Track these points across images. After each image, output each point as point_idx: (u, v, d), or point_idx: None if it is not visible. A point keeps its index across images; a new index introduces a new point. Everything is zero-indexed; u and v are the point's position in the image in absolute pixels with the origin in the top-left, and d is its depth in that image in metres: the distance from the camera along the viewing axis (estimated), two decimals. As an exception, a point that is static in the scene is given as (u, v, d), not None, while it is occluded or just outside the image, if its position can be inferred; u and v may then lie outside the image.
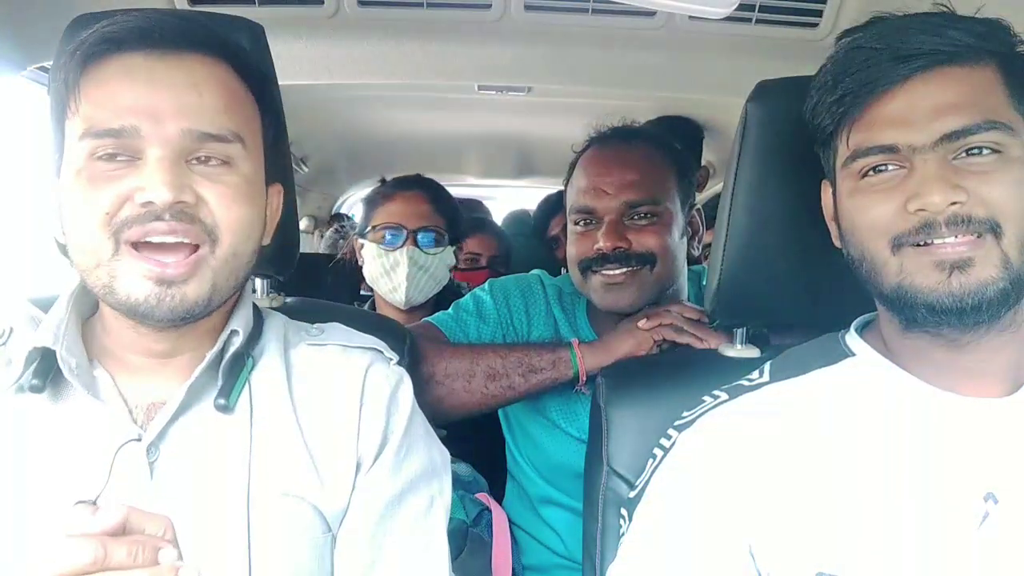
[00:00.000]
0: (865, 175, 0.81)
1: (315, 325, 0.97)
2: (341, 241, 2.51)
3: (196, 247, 0.78)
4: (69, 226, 0.79)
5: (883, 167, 0.80)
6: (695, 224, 1.50)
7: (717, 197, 1.40)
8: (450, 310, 1.53)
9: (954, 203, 0.75)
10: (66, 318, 0.82)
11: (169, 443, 0.80)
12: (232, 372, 0.83)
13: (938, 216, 0.75)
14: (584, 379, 1.31)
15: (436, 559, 0.88)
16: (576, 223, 1.41)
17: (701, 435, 0.88)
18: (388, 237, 1.80)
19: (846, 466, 0.81)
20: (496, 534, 1.39)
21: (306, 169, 2.61)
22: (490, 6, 1.46)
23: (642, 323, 1.29)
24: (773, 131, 1.01)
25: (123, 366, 0.84)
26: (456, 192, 3.73)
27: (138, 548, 0.59)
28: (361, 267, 1.88)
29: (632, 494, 0.96)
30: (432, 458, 0.92)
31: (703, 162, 2.47)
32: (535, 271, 1.61)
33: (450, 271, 1.88)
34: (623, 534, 0.93)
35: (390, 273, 1.79)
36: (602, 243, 1.34)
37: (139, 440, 0.78)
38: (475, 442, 1.63)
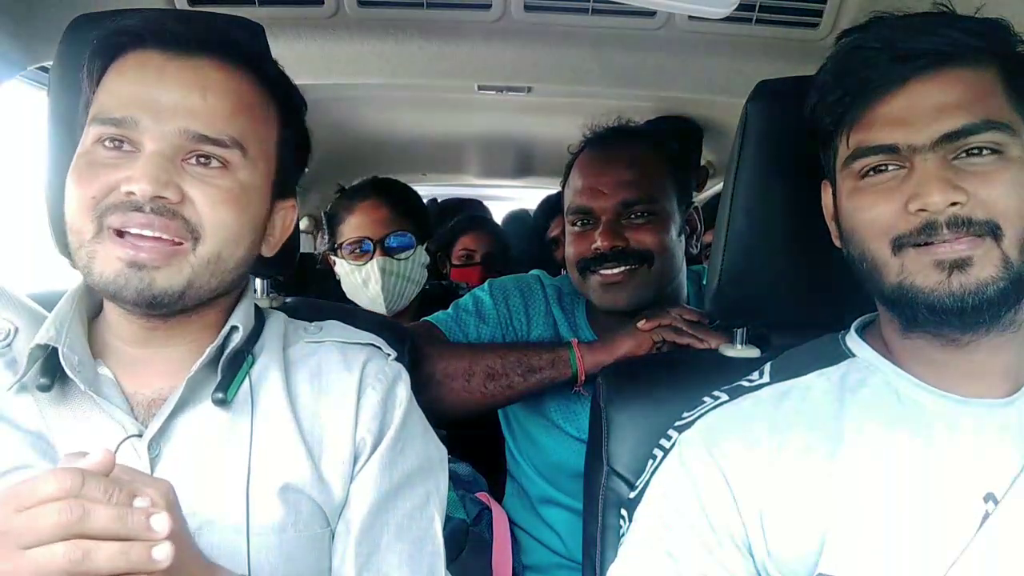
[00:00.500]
0: (865, 175, 0.81)
1: (313, 323, 0.98)
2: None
3: (177, 243, 0.79)
4: (66, 207, 0.81)
5: (883, 167, 0.80)
6: (693, 222, 1.50)
7: (717, 197, 1.40)
8: (449, 310, 1.53)
9: (954, 203, 0.75)
10: (70, 316, 0.83)
11: (170, 439, 0.81)
12: (231, 368, 0.84)
13: (939, 216, 0.75)
14: (583, 379, 1.31)
15: (431, 554, 0.88)
16: (573, 223, 1.42)
17: (701, 436, 0.88)
18: (357, 252, 1.80)
19: (846, 467, 0.81)
20: (496, 533, 1.39)
21: (306, 169, 2.60)
22: (490, 6, 1.46)
23: (642, 324, 1.29)
24: (773, 131, 1.01)
25: (125, 363, 0.85)
26: (456, 192, 3.75)
27: (115, 489, 0.58)
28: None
29: (632, 495, 0.96)
30: (429, 454, 0.92)
31: (703, 162, 2.47)
32: (534, 271, 1.61)
33: (427, 268, 1.87)
34: (623, 534, 0.93)
35: (366, 286, 1.80)
36: (599, 243, 1.34)
37: (140, 436, 0.79)
38: (475, 442, 1.63)
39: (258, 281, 1.20)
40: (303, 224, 2.75)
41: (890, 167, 0.80)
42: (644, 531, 0.87)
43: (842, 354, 0.90)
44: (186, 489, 0.78)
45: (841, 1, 1.42)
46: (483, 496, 1.45)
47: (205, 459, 0.81)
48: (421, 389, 1.22)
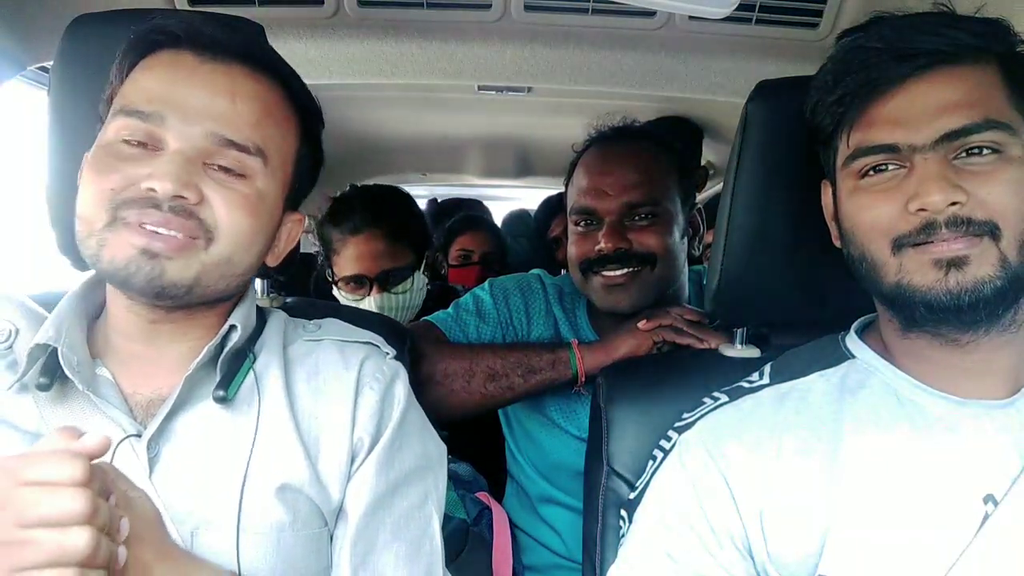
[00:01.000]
0: (865, 175, 0.81)
1: (312, 321, 0.98)
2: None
3: (191, 238, 0.79)
4: (79, 197, 0.81)
5: (883, 167, 0.80)
6: (695, 224, 1.50)
7: (717, 197, 1.40)
8: (450, 309, 1.52)
9: (954, 203, 0.75)
10: (70, 316, 0.83)
11: (170, 440, 0.81)
12: (231, 366, 0.84)
13: (938, 216, 0.75)
14: (583, 380, 1.31)
15: (429, 553, 0.88)
16: (577, 224, 1.41)
17: (701, 437, 0.88)
18: (353, 285, 1.72)
19: (846, 468, 0.81)
20: (496, 533, 1.39)
21: None
22: (490, 6, 1.46)
23: (642, 324, 1.29)
24: (773, 131, 1.01)
25: (125, 361, 0.85)
26: (456, 192, 3.75)
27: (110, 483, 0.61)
28: None
29: (632, 495, 0.96)
30: (427, 452, 0.92)
31: (703, 162, 2.47)
32: (535, 270, 1.61)
33: (428, 284, 1.81)
34: (623, 535, 0.93)
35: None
36: (603, 244, 1.34)
37: (139, 436, 0.79)
38: (475, 442, 1.63)
39: (258, 281, 1.20)
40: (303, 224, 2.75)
41: (890, 167, 0.80)
42: (644, 532, 0.87)
43: (842, 355, 0.90)
44: (184, 489, 0.79)
45: (841, 1, 1.42)
46: (483, 496, 1.45)
47: (204, 459, 0.81)
48: (421, 389, 1.22)
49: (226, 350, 0.84)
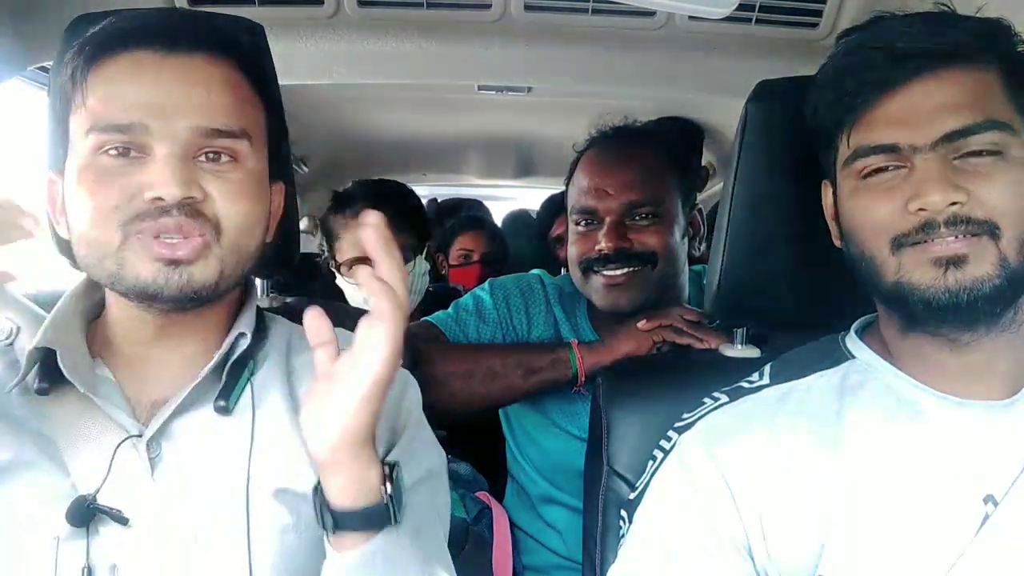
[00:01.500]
0: (866, 175, 0.81)
1: None
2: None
3: (204, 236, 0.78)
4: (75, 220, 0.79)
5: (884, 167, 0.80)
6: (696, 224, 1.50)
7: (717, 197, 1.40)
8: (450, 310, 1.52)
9: (954, 203, 0.75)
10: (69, 317, 0.83)
11: (171, 440, 0.80)
12: (234, 374, 0.84)
13: (938, 216, 0.75)
14: (583, 379, 1.31)
15: (439, 558, 0.87)
16: (577, 223, 1.41)
17: (701, 437, 0.88)
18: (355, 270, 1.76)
19: (846, 469, 0.81)
20: (496, 532, 1.39)
21: (306, 169, 2.61)
22: (490, 6, 1.46)
23: (642, 324, 1.29)
24: (773, 131, 1.01)
25: (127, 364, 0.84)
26: (456, 192, 3.75)
27: None
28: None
29: (632, 496, 0.96)
30: (433, 463, 0.92)
31: (703, 162, 2.47)
32: (535, 271, 1.61)
33: (429, 275, 1.84)
34: (623, 535, 0.93)
35: (367, 304, 1.77)
36: (603, 244, 1.34)
37: (140, 436, 0.79)
38: (475, 442, 1.63)
39: (258, 281, 1.20)
40: (303, 224, 2.75)
41: (890, 167, 0.80)
42: (644, 532, 0.87)
43: (842, 355, 0.90)
44: (186, 490, 0.78)
45: (841, 1, 1.42)
46: (483, 495, 1.45)
47: (205, 461, 0.80)
48: (421, 389, 1.22)
49: (232, 359, 0.84)
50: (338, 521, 0.72)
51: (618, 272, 1.35)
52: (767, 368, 0.95)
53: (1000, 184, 0.75)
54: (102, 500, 0.75)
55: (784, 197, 1.01)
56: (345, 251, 1.78)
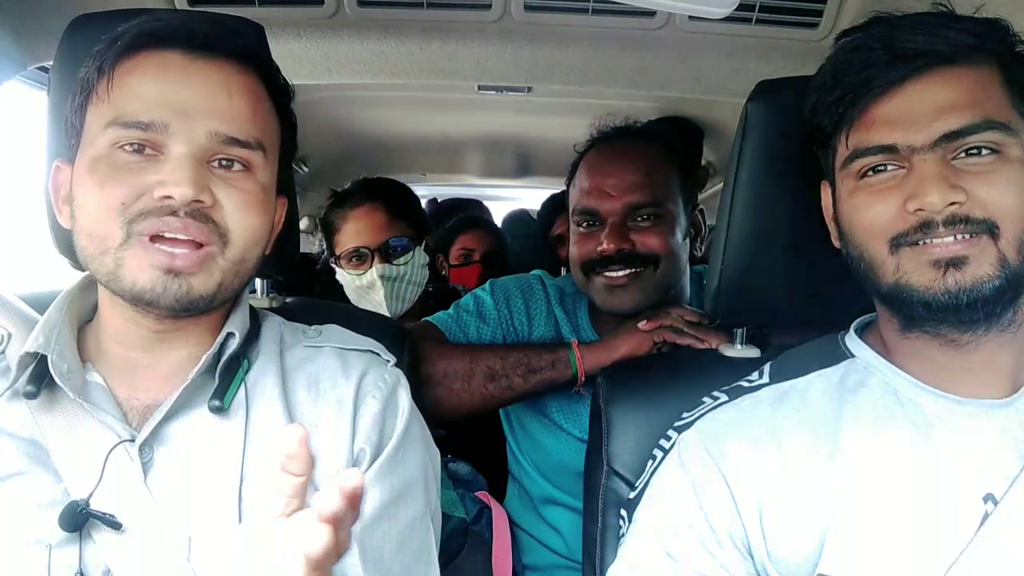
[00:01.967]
0: (864, 175, 0.81)
1: (313, 327, 0.97)
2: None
3: (202, 244, 0.78)
4: (80, 211, 0.79)
5: (882, 167, 0.80)
6: (697, 224, 1.50)
7: (717, 197, 1.40)
8: (450, 310, 1.52)
9: (953, 203, 0.75)
10: (60, 322, 0.82)
11: (163, 444, 0.80)
12: (227, 374, 0.83)
13: (936, 216, 0.75)
14: (583, 380, 1.31)
15: (428, 563, 0.88)
16: (579, 224, 1.41)
17: (701, 436, 0.88)
18: (355, 261, 1.79)
19: (845, 468, 0.81)
20: (496, 532, 1.39)
21: (306, 169, 2.61)
22: (490, 6, 1.46)
23: (642, 324, 1.29)
24: (773, 131, 1.01)
25: (118, 368, 0.84)
26: (456, 192, 3.75)
27: None
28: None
29: (632, 495, 0.96)
30: (425, 462, 0.92)
31: (703, 162, 2.47)
32: (536, 271, 1.61)
33: (428, 268, 1.86)
34: (623, 535, 0.93)
35: (368, 293, 1.80)
36: (605, 245, 1.34)
37: (132, 441, 0.78)
38: (475, 442, 1.63)
39: (258, 281, 1.20)
40: (303, 224, 2.76)
41: (889, 167, 0.80)
42: (643, 532, 0.87)
43: (841, 355, 0.90)
44: (179, 494, 0.78)
45: (841, 1, 1.42)
46: (483, 495, 1.45)
47: (198, 465, 0.80)
48: (421, 390, 1.22)
49: (224, 358, 0.84)
50: None
51: (620, 273, 1.35)
52: (767, 367, 0.95)
53: (999, 184, 0.75)
54: (95, 505, 0.75)
55: (784, 197, 1.01)
56: (345, 243, 1.80)
